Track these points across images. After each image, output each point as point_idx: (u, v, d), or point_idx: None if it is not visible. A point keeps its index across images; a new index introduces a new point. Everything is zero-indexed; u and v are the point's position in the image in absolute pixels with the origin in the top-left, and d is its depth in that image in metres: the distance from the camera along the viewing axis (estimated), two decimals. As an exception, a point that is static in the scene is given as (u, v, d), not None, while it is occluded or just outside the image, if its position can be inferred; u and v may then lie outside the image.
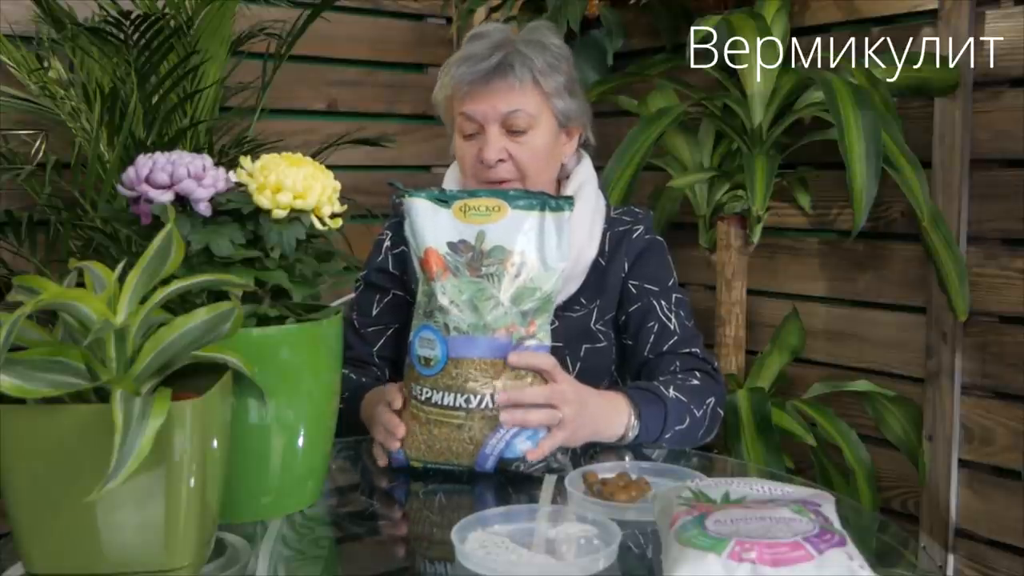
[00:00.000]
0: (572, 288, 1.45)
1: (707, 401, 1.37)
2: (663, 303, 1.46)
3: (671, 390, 1.34)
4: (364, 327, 1.50)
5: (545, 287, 1.14)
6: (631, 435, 1.27)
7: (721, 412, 1.41)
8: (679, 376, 1.40)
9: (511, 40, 1.43)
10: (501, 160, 1.41)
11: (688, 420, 1.33)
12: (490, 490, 1.14)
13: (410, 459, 1.14)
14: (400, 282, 1.52)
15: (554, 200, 1.17)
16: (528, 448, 1.13)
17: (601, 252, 1.48)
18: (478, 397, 1.11)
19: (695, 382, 1.39)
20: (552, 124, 1.45)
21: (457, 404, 1.11)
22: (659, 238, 1.53)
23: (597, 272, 1.47)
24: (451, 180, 1.54)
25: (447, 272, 1.13)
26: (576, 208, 1.43)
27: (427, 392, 1.12)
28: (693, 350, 1.45)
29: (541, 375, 1.15)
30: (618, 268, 1.48)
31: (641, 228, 1.51)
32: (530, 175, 1.43)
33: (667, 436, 1.31)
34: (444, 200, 1.17)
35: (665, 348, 1.44)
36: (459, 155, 1.47)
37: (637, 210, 1.55)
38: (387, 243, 1.55)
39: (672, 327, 1.45)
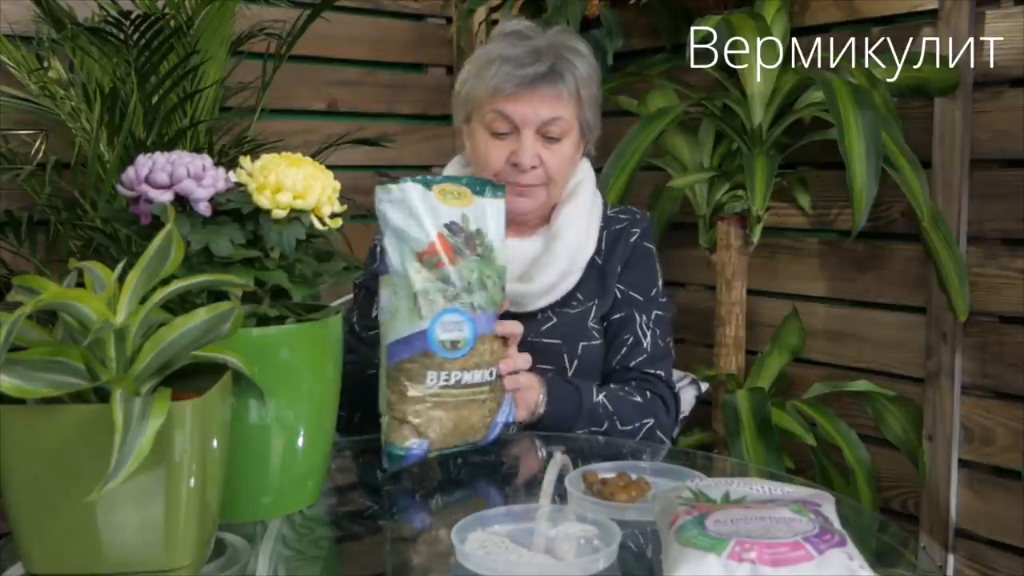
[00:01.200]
0: (569, 284, 1.45)
1: (644, 420, 1.39)
2: (643, 316, 1.47)
3: (600, 395, 1.37)
4: (366, 330, 1.50)
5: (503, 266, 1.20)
6: (541, 411, 1.33)
7: (665, 438, 1.42)
8: (624, 389, 1.42)
9: (555, 45, 1.42)
10: (534, 166, 1.41)
11: (607, 426, 1.36)
12: (490, 490, 1.14)
13: (431, 451, 1.15)
14: None
15: (492, 187, 1.19)
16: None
17: (598, 251, 1.48)
18: (494, 370, 1.17)
19: (636, 399, 1.41)
20: (578, 133, 1.46)
21: (484, 380, 1.15)
22: (651, 246, 1.53)
23: (594, 270, 1.48)
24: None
25: (454, 254, 1.13)
26: (572, 205, 1.47)
27: (456, 375, 1.13)
28: (658, 372, 1.46)
29: (504, 341, 1.23)
30: (614, 268, 1.48)
31: (639, 231, 1.51)
32: (556, 182, 1.44)
33: (580, 432, 1.35)
34: (427, 184, 1.17)
35: (632, 364, 1.45)
36: (483, 153, 1.45)
37: (635, 211, 1.55)
38: (379, 248, 1.56)
39: (644, 345, 1.46)
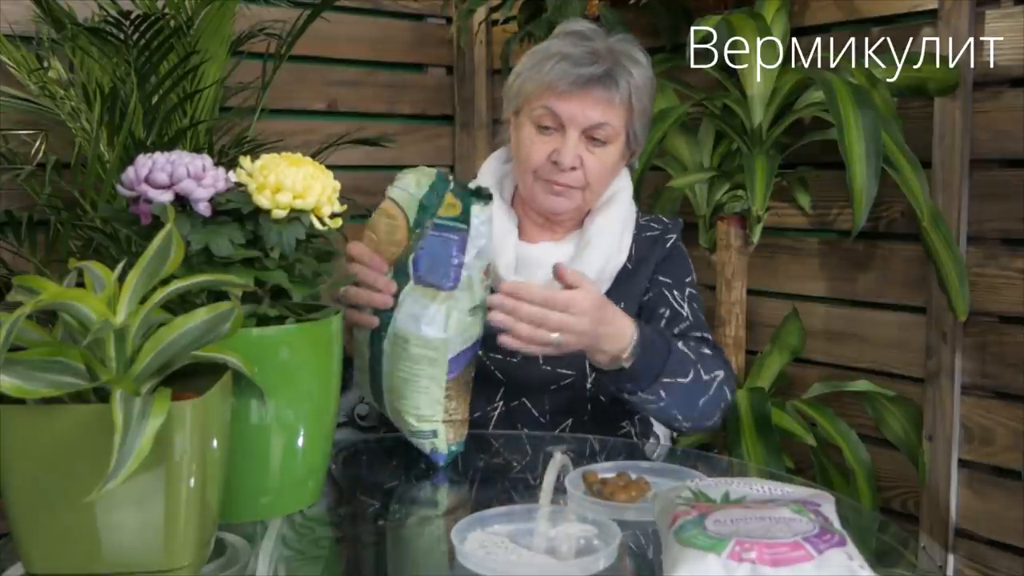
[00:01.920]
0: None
1: (715, 373, 1.35)
2: (675, 293, 1.47)
3: (679, 344, 1.34)
4: None
5: None
6: (628, 352, 1.25)
7: (728, 394, 1.38)
8: (690, 343, 1.38)
9: (614, 51, 1.41)
10: (573, 167, 1.40)
11: (692, 376, 1.31)
12: (490, 490, 1.14)
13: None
14: None
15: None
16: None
17: (628, 258, 1.48)
18: None
19: (706, 350, 1.38)
20: (623, 143, 1.44)
21: None
22: (683, 248, 1.54)
23: (623, 276, 1.47)
24: (492, 172, 1.53)
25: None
26: (607, 214, 1.47)
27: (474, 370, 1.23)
28: (706, 336, 1.44)
29: None
30: (647, 270, 1.48)
31: (674, 237, 1.52)
32: (594, 188, 1.43)
33: (666, 381, 1.28)
34: None
35: (677, 331, 1.43)
36: (526, 147, 1.43)
37: (667, 220, 1.55)
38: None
39: (684, 314, 1.45)
